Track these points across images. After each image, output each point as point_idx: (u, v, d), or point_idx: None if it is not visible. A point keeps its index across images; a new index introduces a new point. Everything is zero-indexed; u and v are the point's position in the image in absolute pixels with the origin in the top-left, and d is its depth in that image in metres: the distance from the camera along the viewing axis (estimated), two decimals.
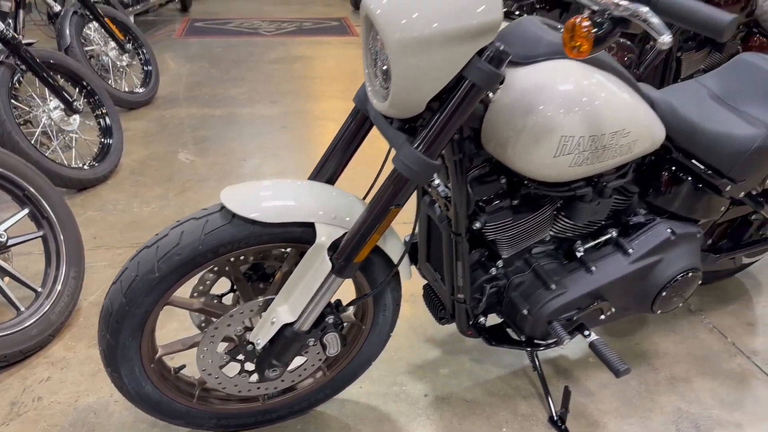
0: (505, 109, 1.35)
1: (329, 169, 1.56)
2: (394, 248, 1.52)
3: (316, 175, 1.56)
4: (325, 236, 1.38)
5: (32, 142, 2.84)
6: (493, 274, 1.71)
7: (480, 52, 1.19)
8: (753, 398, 1.90)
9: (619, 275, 1.73)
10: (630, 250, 1.75)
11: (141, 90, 4.22)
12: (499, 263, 1.71)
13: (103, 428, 1.72)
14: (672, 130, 1.68)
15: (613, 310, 1.78)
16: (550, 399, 1.85)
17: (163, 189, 3.08)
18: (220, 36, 6.23)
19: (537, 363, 1.93)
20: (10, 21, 3.55)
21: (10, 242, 2.01)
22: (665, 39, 1.03)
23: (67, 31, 3.79)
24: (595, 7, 1.10)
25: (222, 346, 1.56)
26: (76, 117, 3.09)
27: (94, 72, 3.82)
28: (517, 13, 3.75)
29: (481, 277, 1.71)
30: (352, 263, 1.37)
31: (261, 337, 1.46)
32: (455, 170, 1.44)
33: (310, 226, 1.39)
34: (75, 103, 3.02)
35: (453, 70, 1.20)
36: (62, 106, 3.02)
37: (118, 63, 4.19)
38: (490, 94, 1.35)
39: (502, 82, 1.37)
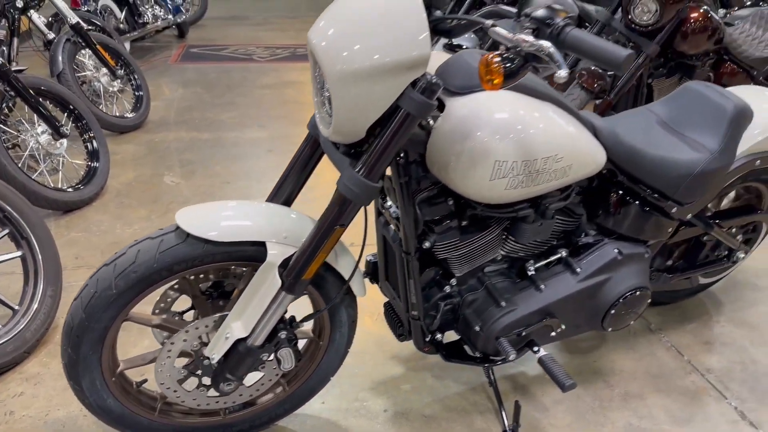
0: (446, 136, 1.44)
1: (285, 191, 1.64)
2: (346, 265, 1.59)
3: (273, 197, 1.64)
4: (275, 255, 1.45)
5: (20, 165, 2.94)
6: (447, 291, 1.78)
7: (414, 83, 1.28)
8: (704, 415, 1.95)
9: (567, 293, 1.80)
10: (578, 270, 1.82)
11: (131, 115, 4.33)
12: (453, 281, 1.78)
13: None
14: (615, 155, 1.76)
15: (564, 327, 1.85)
16: (503, 414, 1.90)
17: (147, 211, 3.17)
18: (215, 62, 6.37)
19: (492, 378, 1.99)
20: (4, 48, 3.68)
21: None
22: (561, 73, 1.11)
23: (60, 58, 3.91)
24: (509, 44, 1.19)
25: (183, 361, 1.63)
26: (63, 141, 3.19)
27: (84, 97, 3.93)
28: (466, 46, 3.85)
29: (436, 295, 1.78)
30: (301, 280, 1.45)
31: (216, 352, 1.53)
32: (402, 192, 1.52)
33: (262, 245, 1.47)
34: (62, 128, 3.12)
35: (389, 100, 1.28)
36: (50, 130, 3.12)
37: (109, 88, 4.31)
38: (431, 121, 1.44)
39: (442, 110, 1.46)
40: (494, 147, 1.41)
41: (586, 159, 1.60)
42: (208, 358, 1.55)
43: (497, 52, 1.18)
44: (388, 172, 1.51)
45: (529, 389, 2.03)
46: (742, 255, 2.25)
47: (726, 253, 2.26)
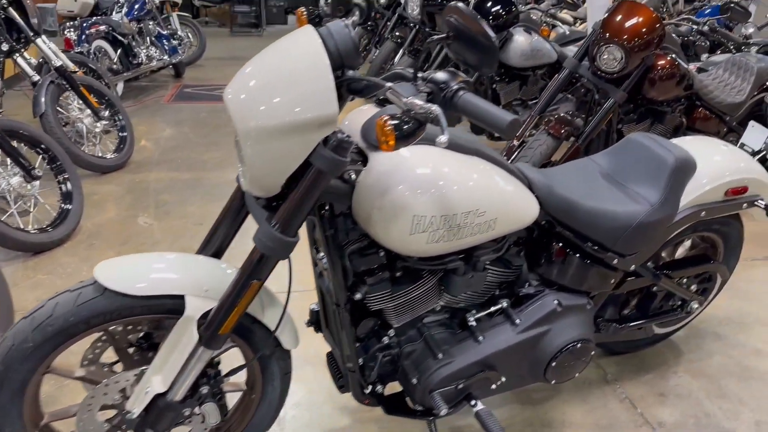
0: (368, 189, 1.45)
1: (216, 242, 1.64)
2: (273, 317, 1.58)
3: (203, 249, 1.64)
4: (193, 308, 1.45)
5: None
6: (386, 342, 1.76)
7: (326, 140, 1.29)
8: None
9: (506, 345, 1.78)
10: (518, 321, 1.80)
11: (113, 155, 4.38)
12: (391, 332, 1.76)
13: None
14: (550, 207, 1.76)
15: (504, 379, 1.82)
16: None
17: (115, 252, 3.18)
18: (208, 101, 6.45)
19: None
20: None
21: None
22: (441, 139, 1.12)
23: (43, 100, 3.97)
24: (402, 107, 1.20)
25: (109, 414, 1.61)
26: (35, 183, 3.22)
27: (66, 138, 3.97)
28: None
29: (374, 346, 1.76)
30: (219, 335, 1.44)
31: (136, 406, 1.51)
32: (327, 245, 1.52)
33: (182, 299, 1.46)
34: (33, 171, 3.16)
35: (300, 157, 1.29)
36: (21, 172, 3.15)
37: (93, 129, 4.36)
38: (353, 175, 1.45)
39: (365, 165, 1.47)
40: (412, 202, 1.42)
41: (514, 213, 1.60)
42: (130, 412, 1.54)
43: (391, 114, 1.19)
44: None
45: None
46: (696, 306, 2.23)
47: (679, 303, 2.23)
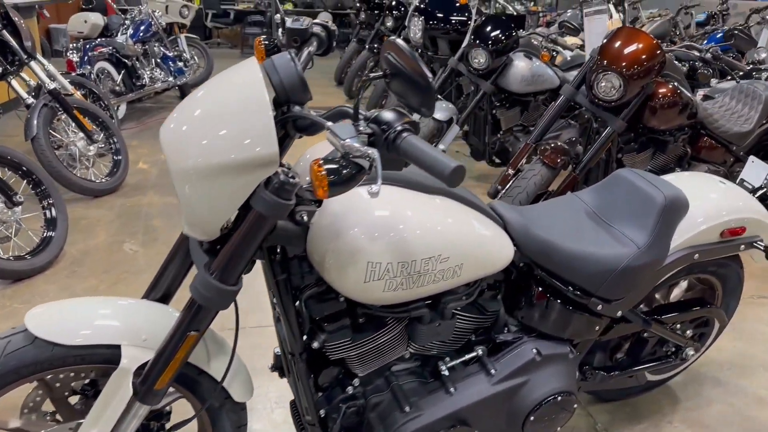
0: (322, 232, 1.34)
1: (163, 286, 1.53)
2: (220, 367, 1.47)
3: (150, 293, 1.54)
4: (129, 359, 1.34)
5: None
6: (350, 393, 1.64)
7: (268, 182, 1.19)
8: None
9: (480, 397, 1.66)
10: (493, 371, 1.68)
11: (105, 179, 4.32)
12: (356, 381, 1.64)
13: None
14: (527, 250, 1.64)
15: None
16: None
17: (97, 281, 3.09)
18: None
19: None
20: None
21: None
22: (373, 189, 1.01)
23: (35, 122, 3.92)
24: (340, 150, 1.09)
25: None
26: (17, 209, 3.15)
27: (57, 161, 3.91)
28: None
29: (338, 396, 1.64)
30: (155, 390, 1.33)
31: None
32: (279, 290, 1.41)
33: (119, 348, 1.36)
34: (15, 197, 3.09)
35: (239, 199, 1.19)
36: (2, 198, 3.08)
37: (86, 153, 4.31)
38: (305, 217, 1.34)
39: (319, 206, 1.36)
40: (367, 247, 1.31)
41: (484, 257, 1.48)
42: None
43: (325, 157, 1.08)
44: None
45: None
46: (692, 352, 2.09)
47: (673, 349, 2.09)
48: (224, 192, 1.17)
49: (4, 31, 3.89)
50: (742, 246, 1.93)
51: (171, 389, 1.51)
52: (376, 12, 7.33)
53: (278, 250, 1.39)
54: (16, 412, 1.51)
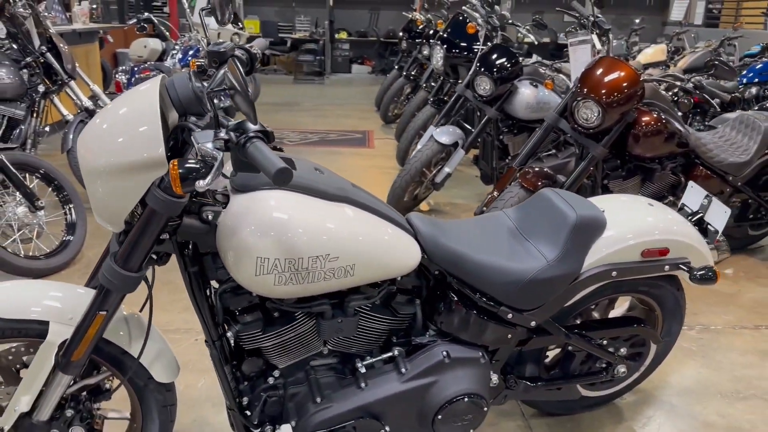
0: (225, 231, 1.51)
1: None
2: (139, 346, 1.65)
3: (90, 281, 1.74)
4: (54, 334, 1.55)
5: None
6: (271, 383, 1.80)
7: (162, 181, 1.37)
8: None
9: (388, 393, 1.78)
10: (404, 370, 1.80)
11: None
12: (276, 373, 1.79)
13: None
14: (437, 258, 1.77)
15: (388, 429, 1.81)
16: None
17: None
18: None
19: None
20: (22, 127, 4.12)
21: None
22: (199, 183, 1.18)
23: (70, 137, 4.25)
24: (197, 152, 1.26)
25: None
26: (39, 213, 3.47)
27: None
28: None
29: (260, 385, 1.80)
30: (71, 362, 1.53)
31: (5, 423, 1.61)
32: (189, 282, 1.59)
33: (47, 324, 1.56)
34: (37, 202, 3.41)
35: (135, 197, 1.38)
36: (27, 203, 3.41)
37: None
38: (209, 216, 1.51)
39: (224, 207, 1.54)
40: (257, 243, 1.47)
41: (380, 259, 1.61)
42: (1, 429, 1.64)
43: (181, 158, 1.26)
44: None
45: None
46: (623, 369, 2.13)
47: (604, 365, 2.15)
48: (121, 189, 1.37)
49: (48, 54, 4.28)
50: (667, 267, 1.99)
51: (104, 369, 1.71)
52: (416, 41, 7.55)
53: (189, 246, 1.57)
54: None
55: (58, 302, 1.59)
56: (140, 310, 1.73)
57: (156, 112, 1.33)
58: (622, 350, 2.14)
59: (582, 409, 2.34)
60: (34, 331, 1.57)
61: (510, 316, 1.84)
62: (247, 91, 1.24)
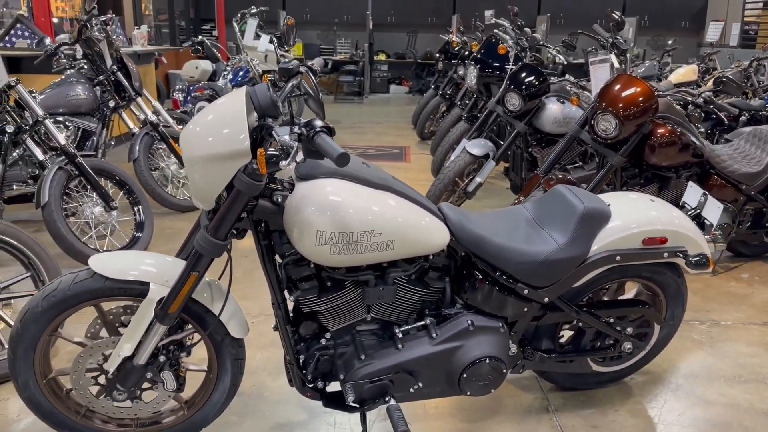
0: (291, 210, 1.88)
1: (188, 248, 2.12)
2: (219, 306, 2.02)
3: (180, 253, 2.12)
4: (153, 293, 1.93)
5: (73, 229, 3.66)
6: (323, 343, 2.15)
7: (246, 168, 1.75)
8: None
9: (421, 354, 2.11)
10: (434, 335, 2.13)
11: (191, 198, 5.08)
12: (328, 335, 2.14)
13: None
14: (463, 240, 2.10)
15: (421, 385, 2.14)
16: None
17: None
18: None
19: (365, 425, 2.27)
20: (95, 138, 4.63)
21: (7, 295, 2.72)
22: (282, 164, 1.54)
23: (137, 148, 4.74)
24: (278, 143, 1.64)
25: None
26: (113, 213, 3.91)
27: (152, 180, 4.72)
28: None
29: (314, 345, 2.15)
30: (168, 314, 1.90)
31: (110, 366, 1.99)
32: (261, 253, 1.96)
33: (148, 285, 1.94)
34: (112, 203, 3.85)
35: (224, 180, 1.76)
36: (103, 204, 3.85)
37: (178, 175, 5.09)
38: (278, 198, 1.88)
39: (291, 190, 1.90)
40: (316, 219, 1.83)
41: (414, 237, 1.96)
42: (107, 371, 2.02)
43: (272, 148, 1.65)
44: None
45: None
46: (629, 346, 2.42)
47: (612, 342, 2.44)
48: (214, 174, 1.74)
49: (119, 73, 4.77)
50: (666, 254, 2.28)
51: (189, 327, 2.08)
52: (452, 62, 7.93)
53: (262, 224, 1.94)
54: (79, 331, 2.13)
55: (155, 268, 1.97)
56: (219, 278, 2.09)
57: (243, 114, 1.71)
58: (628, 329, 2.43)
59: (595, 385, 2.63)
60: (135, 291, 1.96)
61: (526, 291, 2.16)
62: (319, 96, 1.60)
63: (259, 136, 1.84)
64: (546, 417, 2.48)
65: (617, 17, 3.58)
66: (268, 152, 1.64)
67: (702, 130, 4.82)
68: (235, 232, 1.93)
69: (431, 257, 2.11)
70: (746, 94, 6.84)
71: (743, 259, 4.22)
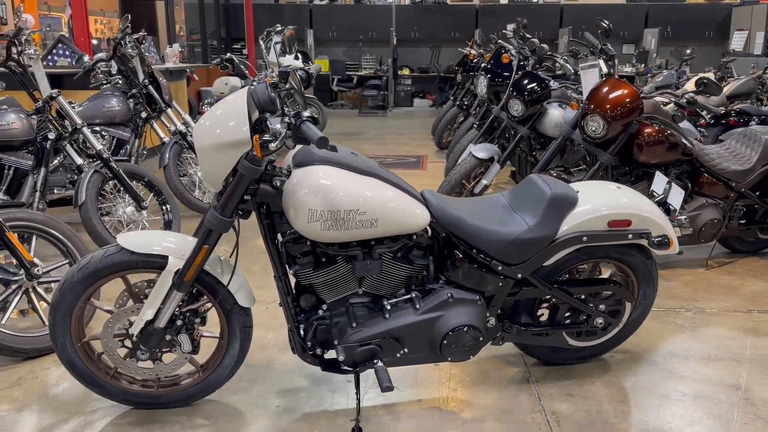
0: (287, 193, 2.18)
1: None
2: (227, 277, 2.32)
3: (197, 232, 2.43)
4: (172, 265, 2.24)
5: (107, 226, 4.03)
6: (320, 314, 2.43)
7: (247, 155, 2.06)
8: None
9: (405, 322, 2.38)
10: (418, 306, 2.40)
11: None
12: (324, 306, 2.43)
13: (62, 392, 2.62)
14: (442, 221, 2.38)
15: (406, 350, 2.41)
16: (359, 417, 2.45)
17: None
18: None
19: (357, 391, 2.53)
20: (128, 146, 5.01)
21: (45, 277, 3.07)
22: (271, 146, 1.84)
23: (167, 155, 5.11)
24: (271, 130, 1.94)
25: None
26: (143, 212, 4.27)
27: (181, 185, 5.08)
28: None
29: (313, 316, 2.44)
30: (183, 282, 2.21)
31: (134, 329, 2.31)
32: (264, 231, 2.26)
33: (167, 259, 2.26)
34: (143, 203, 4.21)
35: (229, 165, 2.07)
36: (134, 204, 4.22)
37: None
38: (277, 182, 2.19)
39: (289, 175, 2.21)
40: (308, 199, 2.13)
41: (395, 217, 2.23)
42: (132, 334, 2.33)
43: (262, 135, 1.95)
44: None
45: (394, 405, 2.56)
46: (600, 321, 2.65)
47: (585, 318, 2.67)
48: (221, 160, 2.06)
49: (150, 86, 5.18)
50: (630, 235, 2.52)
51: (204, 298, 2.39)
52: (470, 74, 8.21)
53: (264, 206, 2.24)
54: (109, 302, 2.45)
55: (173, 245, 2.29)
56: (230, 256, 2.40)
57: (244, 109, 2.02)
58: (600, 306, 2.66)
59: (575, 361, 2.86)
60: (156, 264, 2.28)
61: (500, 268, 2.42)
62: (302, 91, 1.90)
63: (259, 128, 2.15)
64: (526, 386, 2.71)
65: (606, 25, 3.83)
66: (263, 138, 1.95)
67: (706, 134, 5.02)
68: (241, 213, 2.23)
69: (414, 237, 2.39)
70: (761, 100, 7.01)
71: (740, 255, 4.39)
